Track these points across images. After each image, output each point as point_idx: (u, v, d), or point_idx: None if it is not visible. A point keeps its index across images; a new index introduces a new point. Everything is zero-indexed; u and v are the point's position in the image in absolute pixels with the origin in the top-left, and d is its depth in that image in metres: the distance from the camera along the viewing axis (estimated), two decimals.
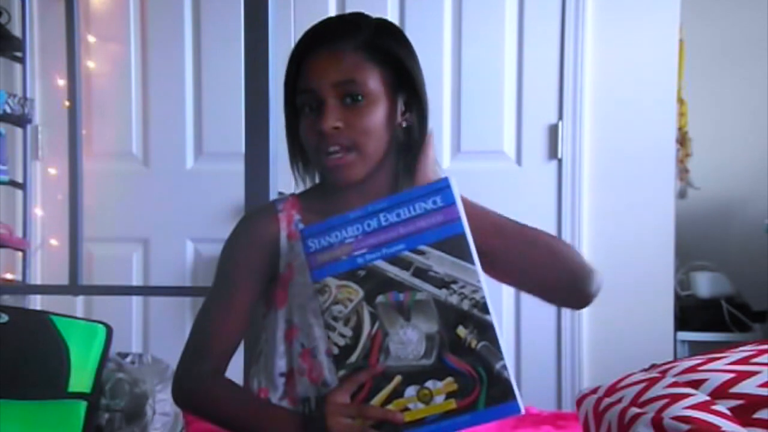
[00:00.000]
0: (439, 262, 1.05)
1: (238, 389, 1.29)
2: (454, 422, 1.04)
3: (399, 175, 1.30)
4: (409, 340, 1.05)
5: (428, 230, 1.05)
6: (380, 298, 1.06)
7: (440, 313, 1.04)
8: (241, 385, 1.31)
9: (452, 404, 1.04)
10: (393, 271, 1.06)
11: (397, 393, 1.06)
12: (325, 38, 1.25)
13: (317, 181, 1.36)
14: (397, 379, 1.05)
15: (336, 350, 1.08)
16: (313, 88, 1.23)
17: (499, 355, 1.03)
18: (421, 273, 1.05)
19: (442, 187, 1.06)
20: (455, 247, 1.04)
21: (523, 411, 1.03)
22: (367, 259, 1.06)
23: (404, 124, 1.29)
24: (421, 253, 1.05)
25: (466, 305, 1.04)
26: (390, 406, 1.06)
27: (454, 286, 1.04)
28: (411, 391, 1.05)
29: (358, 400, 1.08)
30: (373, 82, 1.24)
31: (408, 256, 1.05)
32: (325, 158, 1.24)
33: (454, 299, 1.04)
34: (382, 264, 1.06)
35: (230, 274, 1.31)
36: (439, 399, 1.04)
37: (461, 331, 1.04)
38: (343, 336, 1.07)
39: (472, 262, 1.04)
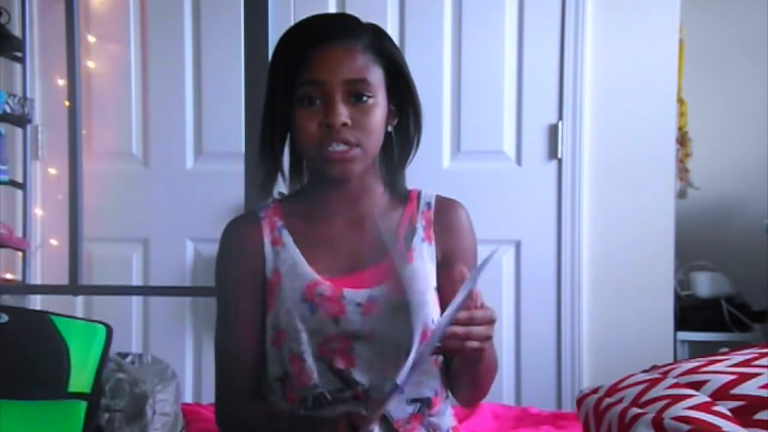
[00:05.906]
0: None
1: (268, 412, 1.31)
2: None
3: (380, 180, 1.33)
4: None
5: None
6: None
7: None
8: (270, 407, 1.32)
9: None
10: None
11: None
12: (337, 33, 1.25)
13: (304, 182, 1.36)
14: None
15: None
16: (323, 81, 1.22)
17: None
18: None
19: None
20: None
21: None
22: None
23: (389, 128, 1.30)
24: None
25: None
26: None
27: None
28: None
29: None
30: (378, 84, 1.26)
31: None
32: (328, 151, 1.23)
33: None
34: None
35: (229, 288, 1.33)
36: None
37: None
38: None
39: None
